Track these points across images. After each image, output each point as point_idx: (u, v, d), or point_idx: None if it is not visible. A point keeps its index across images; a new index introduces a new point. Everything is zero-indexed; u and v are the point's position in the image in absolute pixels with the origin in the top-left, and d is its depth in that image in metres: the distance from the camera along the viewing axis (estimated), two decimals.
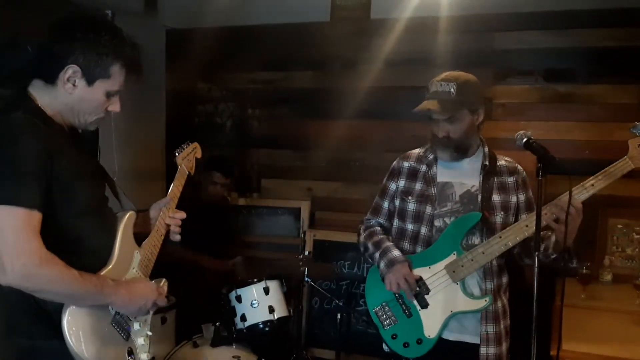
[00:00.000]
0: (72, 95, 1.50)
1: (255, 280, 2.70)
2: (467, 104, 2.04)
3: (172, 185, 1.92)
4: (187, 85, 4.01)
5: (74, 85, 1.49)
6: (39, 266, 1.33)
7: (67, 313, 1.42)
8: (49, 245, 1.36)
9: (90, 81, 1.50)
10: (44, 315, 1.43)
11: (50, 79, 1.49)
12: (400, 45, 3.47)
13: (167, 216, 1.83)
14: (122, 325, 1.58)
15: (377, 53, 3.53)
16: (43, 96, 1.50)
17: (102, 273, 1.52)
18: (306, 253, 3.22)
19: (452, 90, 2.02)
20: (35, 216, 1.34)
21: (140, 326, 1.65)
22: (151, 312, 1.69)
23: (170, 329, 2.92)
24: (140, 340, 1.64)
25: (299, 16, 3.68)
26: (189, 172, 2.00)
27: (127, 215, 1.66)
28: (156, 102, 3.92)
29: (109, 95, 1.56)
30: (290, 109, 3.86)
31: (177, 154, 1.98)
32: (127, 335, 1.59)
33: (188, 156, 2.04)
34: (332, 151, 3.72)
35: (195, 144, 2.13)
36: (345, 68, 3.68)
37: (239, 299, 2.67)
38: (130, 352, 1.59)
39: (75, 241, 1.48)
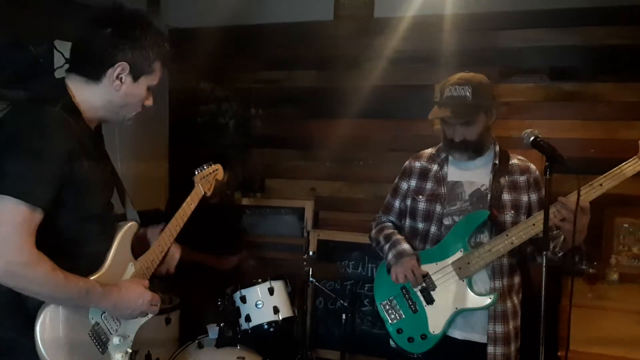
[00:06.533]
0: (119, 92, 1.50)
1: (259, 280, 2.70)
2: (482, 107, 2.02)
3: (184, 203, 1.86)
4: (190, 85, 4.01)
5: (121, 82, 1.48)
6: (24, 266, 1.29)
7: (41, 316, 1.36)
8: (44, 244, 1.33)
9: (135, 77, 1.51)
10: (22, 311, 1.39)
11: (95, 76, 1.47)
12: (404, 43, 3.47)
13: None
14: (100, 337, 1.51)
15: (380, 52, 3.52)
16: (82, 92, 1.48)
17: (91, 279, 1.46)
18: (310, 253, 3.21)
19: (467, 94, 1.99)
20: (37, 216, 1.31)
21: (120, 341, 1.57)
22: (137, 328, 1.64)
23: (174, 329, 2.92)
24: (117, 357, 1.56)
25: (303, 15, 3.68)
26: (205, 192, 1.95)
27: (128, 225, 1.62)
28: (159, 102, 3.87)
29: (149, 89, 1.57)
30: (294, 108, 3.85)
31: (196, 173, 1.93)
32: (104, 348, 1.52)
33: (207, 177, 1.99)
34: (336, 151, 3.71)
35: (218, 166, 2.07)
36: (349, 67, 3.66)
37: (243, 299, 2.66)
38: None
39: (72, 244, 1.45)
